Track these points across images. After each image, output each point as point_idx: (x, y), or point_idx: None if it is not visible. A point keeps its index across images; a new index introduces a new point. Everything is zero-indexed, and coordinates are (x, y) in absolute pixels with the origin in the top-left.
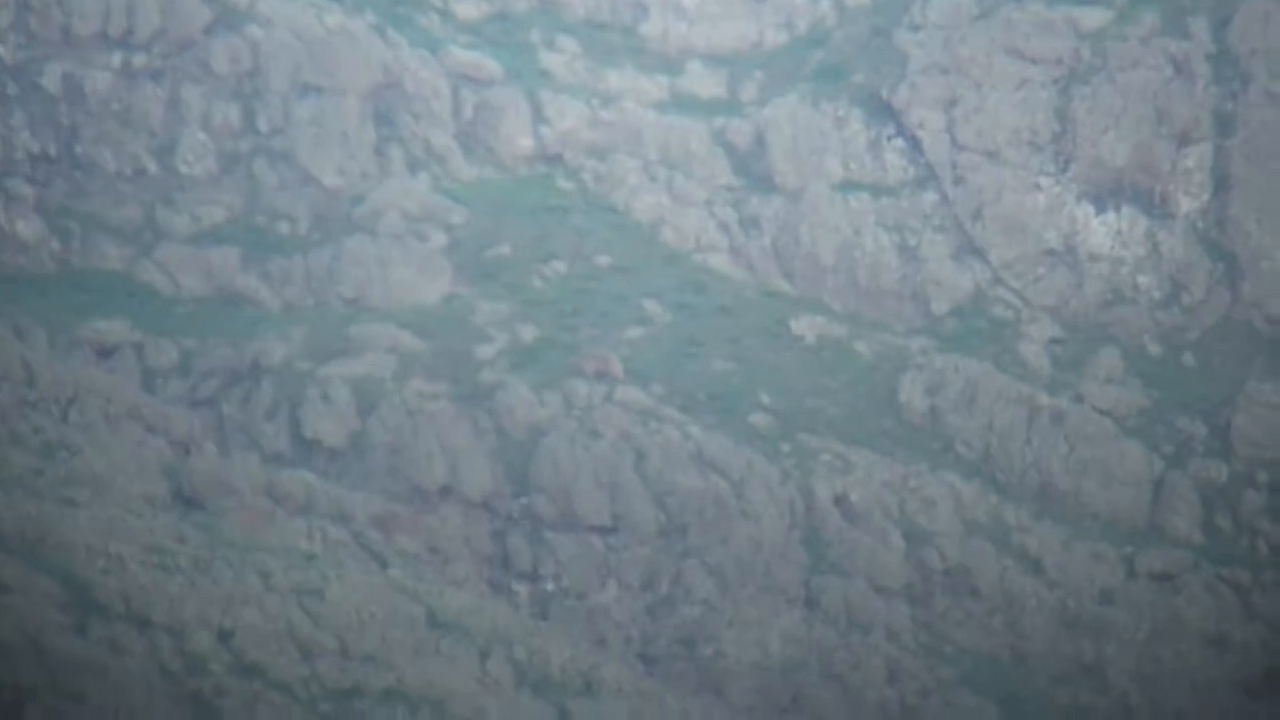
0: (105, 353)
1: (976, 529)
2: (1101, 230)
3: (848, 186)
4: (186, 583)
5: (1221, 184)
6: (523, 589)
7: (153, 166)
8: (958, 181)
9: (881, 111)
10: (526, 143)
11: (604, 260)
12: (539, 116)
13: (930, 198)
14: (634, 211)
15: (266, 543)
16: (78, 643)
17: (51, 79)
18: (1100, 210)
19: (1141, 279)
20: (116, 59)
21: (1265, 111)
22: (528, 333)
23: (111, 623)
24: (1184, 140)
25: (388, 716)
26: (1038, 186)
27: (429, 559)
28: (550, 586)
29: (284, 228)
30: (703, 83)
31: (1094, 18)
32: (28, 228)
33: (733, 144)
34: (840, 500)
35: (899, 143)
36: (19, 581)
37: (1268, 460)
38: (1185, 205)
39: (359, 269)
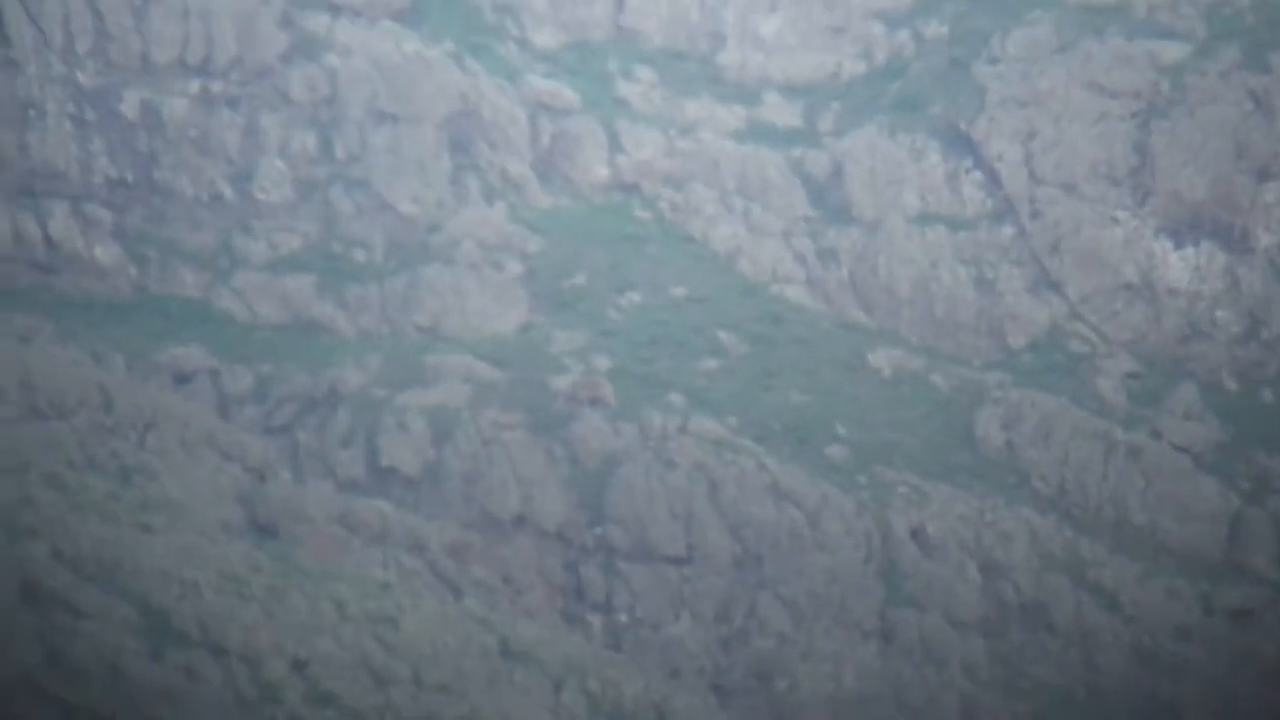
0: (182, 379)
1: (1052, 564)
2: (1179, 265)
3: (925, 219)
4: (261, 610)
5: None
6: (596, 620)
7: (230, 193)
8: (1035, 215)
9: (959, 144)
10: (603, 172)
11: (680, 290)
12: (616, 146)
13: (1007, 231)
14: (710, 241)
15: (341, 571)
16: (154, 669)
17: (130, 105)
18: (1178, 245)
19: (1219, 314)
20: (195, 86)
21: None
22: (603, 363)
23: (188, 649)
24: (1263, 175)
25: None
26: (1115, 220)
27: (503, 589)
28: (624, 617)
29: (360, 255)
30: (780, 113)
31: (1173, 52)
32: (105, 253)
33: (810, 175)
34: (916, 533)
35: (977, 175)
36: (96, 607)
37: None
38: (1264, 240)
39: (435, 297)
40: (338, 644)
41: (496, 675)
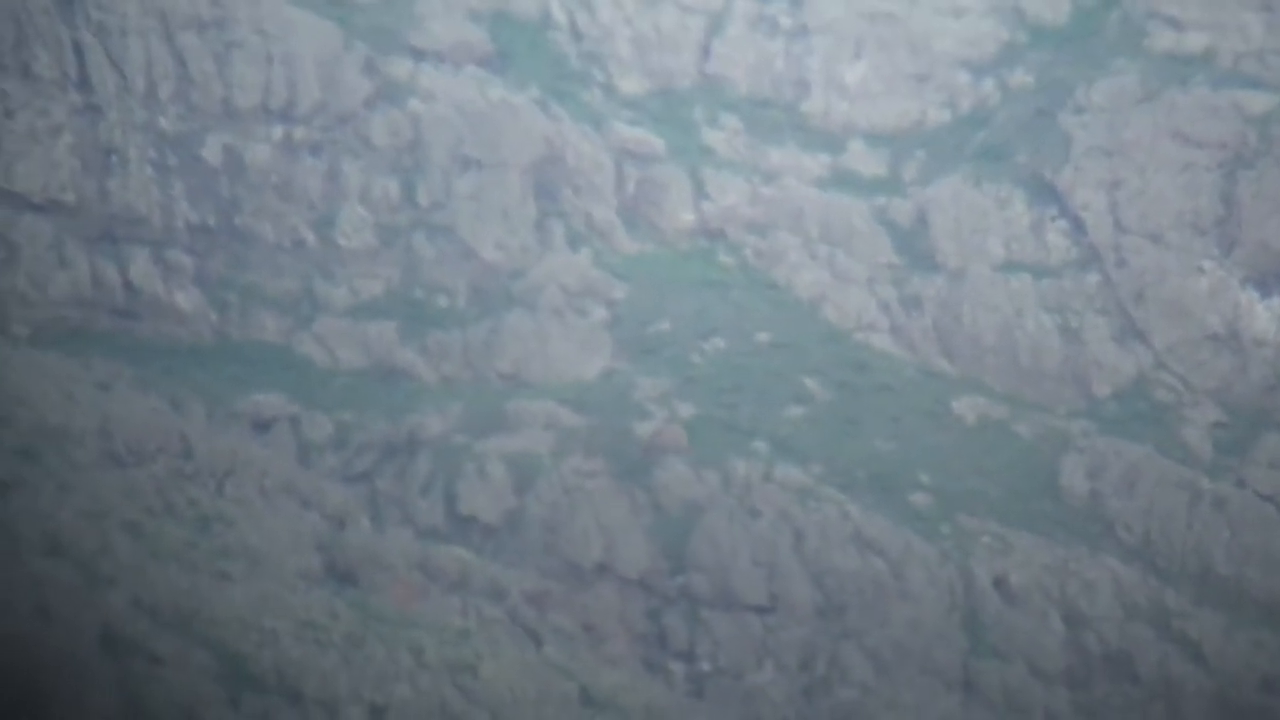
0: (262, 426)
1: (1137, 614)
2: (1265, 315)
3: (1010, 267)
4: (339, 658)
5: None
6: (678, 668)
7: (311, 239)
8: (1120, 264)
9: (1044, 193)
10: (688, 218)
11: (764, 337)
12: (701, 192)
13: (1093, 280)
14: (795, 288)
15: (420, 619)
16: (232, 716)
17: (212, 151)
18: (1265, 295)
19: None
20: (277, 131)
21: None
22: (686, 409)
23: (265, 696)
24: None
25: None
26: (1201, 270)
27: (583, 637)
28: (706, 666)
29: (442, 301)
30: (864, 161)
31: (1260, 102)
32: (186, 299)
33: (894, 222)
34: (1000, 582)
35: (1062, 224)
36: (174, 654)
37: None
38: None
39: (518, 344)
40: (415, 691)
41: None
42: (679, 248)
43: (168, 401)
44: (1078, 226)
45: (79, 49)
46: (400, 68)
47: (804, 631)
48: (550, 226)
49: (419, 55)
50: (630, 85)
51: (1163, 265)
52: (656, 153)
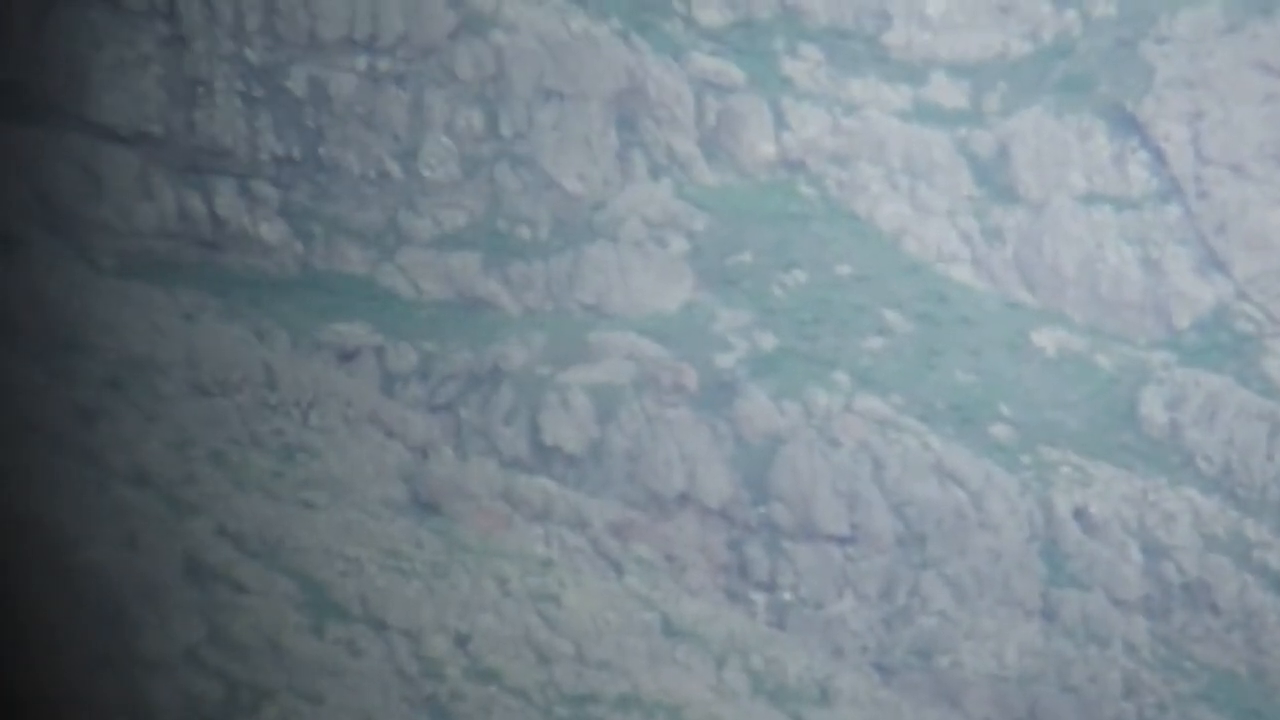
0: (346, 356)
1: (1216, 544)
2: None
3: (1091, 198)
4: (423, 587)
5: None
6: (759, 598)
7: (396, 170)
8: (1202, 195)
9: (1126, 124)
10: (769, 149)
11: (845, 269)
12: (781, 123)
13: (1173, 211)
14: (876, 220)
15: (503, 548)
16: (316, 644)
17: (297, 82)
18: None
19: None
20: (361, 63)
21: None
22: (767, 341)
23: (349, 625)
24: None
25: None
26: None
27: (665, 566)
28: (787, 596)
29: (525, 233)
30: (946, 92)
31: None
32: (271, 230)
33: (975, 154)
34: (1079, 513)
35: (1143, 156)
36: (258, 582)
37: None
38: None
39: (599, 275)
40: (500, 620)
41: (658, 652)
42: (759, 179)
43: (252, 332)
44: (1159, 158)
45: None
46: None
47: (884, 561)
48: (631, 158)
49: None
50: (711, 16)
51: (1244, 197)
52: (737, 84)
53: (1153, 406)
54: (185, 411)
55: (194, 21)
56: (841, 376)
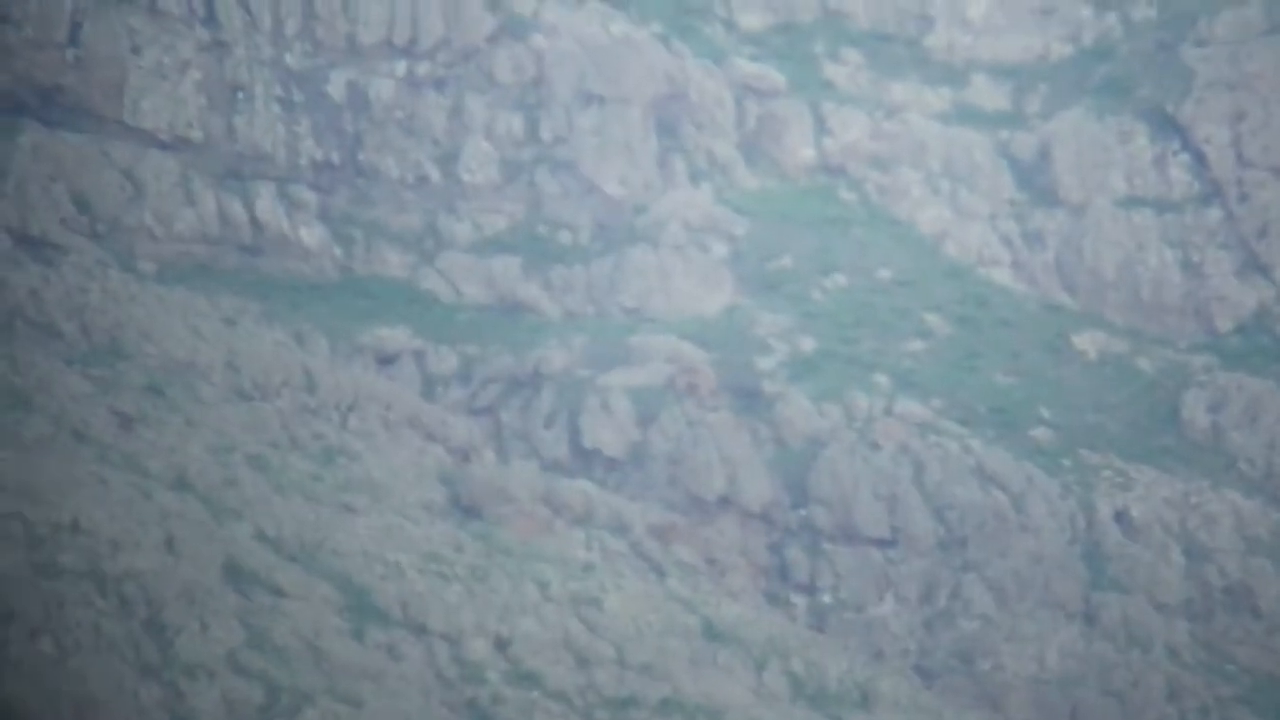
0: (386, 360)
1: (1258, 547)
2: None
3: (1131, 201)
4: (464, 590)
5: None
6: (800, 601)
7: (435, 174)
8: (1243, 198)
9: (1166, 126)
10: (809, 154)
11: (885, 273)
12: (822, 128)
13: (1215, 214)
14: (916, 224)
15: (544, 552)
16: (355, 648)
17: (336, 87)
18: None
19: None
20: (401, 67)
21: None
22: (808, 344)
23: (389, 629)
24: None
25: None
26: None
27: (707, 569)
28: (828, 598)
29: (565, 237)
30: (987, 95)
31: None
32: (311, 234)
33: (1016, 157)
34: (1121, 516)
35: (1184, 158)
36: (298, 586)
37: None
38: None
39: (640, 279)
40: (540, 624)
41: (699, 656)
42: (800, 183)
43: (292, 336)
44: (1200, 160)
45: None
46: (523, 3)
47: (925, 564)
48: (672, 162)
49: None
50: (752, 20)
51: None
52: (777, 88)
53: (1194, 409)
54: (225, 416)
55: (233, 27)
56: (882, 379)
